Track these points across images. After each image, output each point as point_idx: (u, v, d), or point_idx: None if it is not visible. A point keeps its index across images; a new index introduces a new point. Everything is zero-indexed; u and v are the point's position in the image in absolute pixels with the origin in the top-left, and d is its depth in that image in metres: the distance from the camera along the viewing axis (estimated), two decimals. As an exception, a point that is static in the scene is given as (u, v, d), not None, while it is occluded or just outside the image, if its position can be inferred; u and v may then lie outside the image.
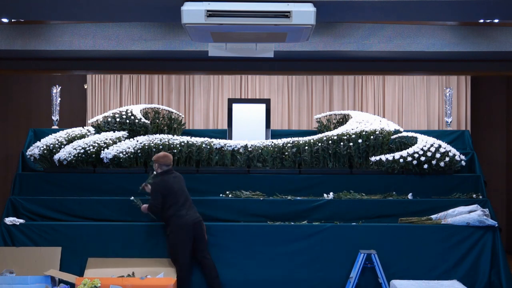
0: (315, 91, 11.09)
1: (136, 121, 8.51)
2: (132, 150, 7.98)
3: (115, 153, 7.93)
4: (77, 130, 8.48)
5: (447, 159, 7.90)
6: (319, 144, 8.09)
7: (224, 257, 7.27)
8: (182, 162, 8.10)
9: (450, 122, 9.28)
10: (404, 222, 7.44)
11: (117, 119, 8.58)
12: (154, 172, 7.27)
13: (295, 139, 8.21)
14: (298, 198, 7.76)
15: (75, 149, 7.97)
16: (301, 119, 11.09)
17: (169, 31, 7.96)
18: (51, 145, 8.05)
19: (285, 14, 5.15)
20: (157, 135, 8.24)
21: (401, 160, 7.87)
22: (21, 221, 7.47)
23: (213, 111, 11.08)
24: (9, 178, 9.75)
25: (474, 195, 7.86)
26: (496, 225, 7.32)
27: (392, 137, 8.24)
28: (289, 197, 7.78)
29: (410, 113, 10.97)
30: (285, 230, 7.39)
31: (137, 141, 8.12)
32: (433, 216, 7.50)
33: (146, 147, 8.01)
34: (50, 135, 8.27)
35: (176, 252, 6.96)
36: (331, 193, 7.77)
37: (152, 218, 7.28)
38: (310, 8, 5.17)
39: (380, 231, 7.32)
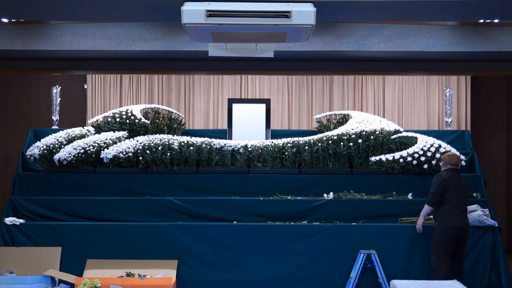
0: (315, 91, 11.08)
1: (136, 121, 8.51)
2: (132, 150, 7.98)
3: (115, 153, 7.93)
4: (77, 130, 8.48)
5: (447, 159, 7.89)
6: (319, 144, 8.09)
7: (224, 257, 7.28)
8: (182, 162, 8.10)
9: (450, 122, 9.28)
10: (404, 222, 7.44)
11: (117, 119, 8.58)
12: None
13: (295, 139, 8.20)
14: (298, 198, 7.76)
15: (75, 149, 7.97)
16: (301, 119, 11.09)
17: (169, 31, 7.96)
18: (51, 145, 8.05)
19: (285, 14, 5.15)
20: (157, 135, 8.24)
21: (401, 160, 7.87)
22: (21, 221, 7.47)
23: (213, 111, 11.08)
24: (9, 178, 9.75)
25: (474, 195, 7.86)
26: (496, 225, 7.32)
27: (392, 137, 8.24)
28: (289, 197, 7.77)
29: (410, 113, 10.97)
30: (285, 230, 7.38)
31: (137, 141, 8.12)
32: None
33: (146, 147, 8.00)
34: (50, 135, 8.28)
35: (434, 251, 6.84)
36: (331, 193, 7.77)
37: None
38: (310, 8, 5.17)
39: (380, 231, 7.32)
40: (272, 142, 8.17)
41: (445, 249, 6.69)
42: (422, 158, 7.85)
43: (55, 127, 9.01)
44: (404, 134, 8.31)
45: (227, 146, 8.13)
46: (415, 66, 8.91)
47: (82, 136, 8.36)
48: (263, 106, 8.83)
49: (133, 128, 8.52)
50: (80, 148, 7.99)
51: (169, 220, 7.57)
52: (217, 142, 8.15)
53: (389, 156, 7.95)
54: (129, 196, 7.87)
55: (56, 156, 7.95)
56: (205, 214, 7.66)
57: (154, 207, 7.67)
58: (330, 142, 8.06)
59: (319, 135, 8.23)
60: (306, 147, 8.06)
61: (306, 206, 7.64)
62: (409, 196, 7.82)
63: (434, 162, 7.86)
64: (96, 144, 8.05)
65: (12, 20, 7.57)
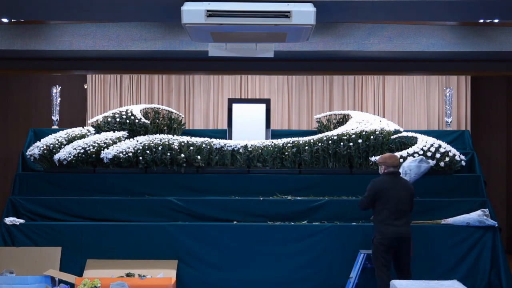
0: (315, 91, 11.08)
1: (136, 121, 8.51)
2: (132, 150, 7.98)
3: (115, 153, 7.93)
4: (77, 130, 8.48)
5: (447, 159, 7.90)
6: (319, 144, 8.09)
7: (224, 257, 7.28)
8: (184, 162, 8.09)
9: (450, 122, 9.28)
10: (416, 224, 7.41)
11: (117, 119, 8.58)
12: None
13: (295, 139, 8.20)
14: (298, 198, 7.76)
15: (75, 149, 7.97)
16: (301, 119, 11.09)
17: (169, 31, 7.96)
18: (51, 145, 8.05)
19: (285, 14, 5.15)
20: (157, 135, 8.24)
21: (401, 160, 7.87)
22: (21, 221, 7.47)
23: (213, 111, 11.07)
24: (9, 178, 9.74)
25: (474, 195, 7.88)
26: (496, 225, 7.32)
27: (392, 137, 8.24)
28: (289, 197, 7.77)
29: (410, 113, 10.97)
30: (285, 230, 7.38)
31: (137, 141, 8.12)
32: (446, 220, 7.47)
33: (146, 147, 8.00)
34: (50, 135, 8.27)
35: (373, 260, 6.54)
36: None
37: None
38: (310, 8, 5.17)
39: (380, 231, 7.31)
40: (272, 142, 8.17)
41: (381, 260, 6.37)
42: (422, 158, 7.85)
43: (55, 127, 9.01)
44: (404, 134, 8.31)
45: (227, 146, 8.12)
46: (415, 66, 8.91)
47: (82, 136, 8.36)
48: (263, 106, 8.83)
49: (133, 128, 8.51)
50: (80, 148, 7.98)
51: (169, 220, 7.57)
52: (217, 142, 8.14)
53: (389, 156, 7.93)
54: (129, 196, 7.87)
55: (56, 156, 7.95)
56: (205, 214, 7.66)
57: (154, 207, 7.68)
58: (330, 142, 8.06)
59: (319, 135, 8.23)
60: (306, 147, 8.06)
61: (306, 206, 7.64)
62: (409, 196, 7.82)
63: (434, 162, 7.85)
64: (96, 144, 8.05)
65: (12, 20, 7.57)
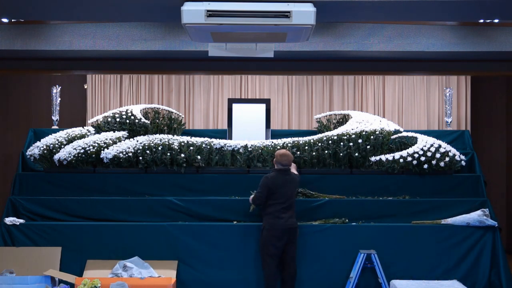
0: (315, 91, 11.09)
1: (136, 121, 8.51)
2: (132, 150, 7.98)
3: (115, 153, 7.93)
4: (77, 130, 8.47)
5: (447, 159, 7.90)
6: (319, 144, 8.08)
7: (224, 257, 7.28)
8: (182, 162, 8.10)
9: (450, 122, 9.28)
10: (418, 224, 7.42)
11: (117, 119, 8.58)
12: None
13: (295, 139, 8.20)
14: (299, 198, 7.75)
15: (75, 149, 7.97)
16: (301, 119, 11.09)
17: (169, 31, 7.97)
18: (51, 145, 8.05)
19: (285, 14, 5.16)
20: (157, 135, 8.23)
21: (401, 160, 7.87)
22: (21, 221, 7.47)
23: (213, 111, 11.08)
24: (9, 178, 9.75)
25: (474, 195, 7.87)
26: (496, 225, 7.32)
27: (392, 137, 8.24)
28: (289, 197, 7.77)
29: (410, 113, 10.98)
30: (285, 230, 7.38)
31: (137, 141, 8.12)
32: (446, 220, 7.46)
33: (146, 147, 8.00)
34: (50, 135, 8.27)
35: (262, 252, 6.97)
36: None
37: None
38: (310, 8, 5.18)
39: (380, 231, 7.32)
40: (272, 142, 8.16)
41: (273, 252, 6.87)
42: (422, 158, 7.84)
43: (55, 127, 9.01)
44: (404, 134, 8.31)
45: (227, 146, 8.12)
46: (415, 66, 8.92)
47: (82, 136, 8.36)
48: (263, 106, 8.83)
49: (133, 128, 8.52)
50: (80, 148, 7.98)
51: (169, 220, 7.57)
52: (217, 142, 8.14)
53: (389, 156, 7.94)
54: (129, 196, 7.87)
55: (56, 156, 7.95)
56: (205, 214, 7.66)
57: (154, 207, 7.67)
58: (330, 142, 8.06)
59: (319, 135, 8.23)
60: (306, 147, 8.06)
61: (306, 206, 7.64)
62: (409, 196, 7.82)
63: (434, 162, 7.85)
64: (96, 144, 8.04)
65: (12, 20, 7.58)
